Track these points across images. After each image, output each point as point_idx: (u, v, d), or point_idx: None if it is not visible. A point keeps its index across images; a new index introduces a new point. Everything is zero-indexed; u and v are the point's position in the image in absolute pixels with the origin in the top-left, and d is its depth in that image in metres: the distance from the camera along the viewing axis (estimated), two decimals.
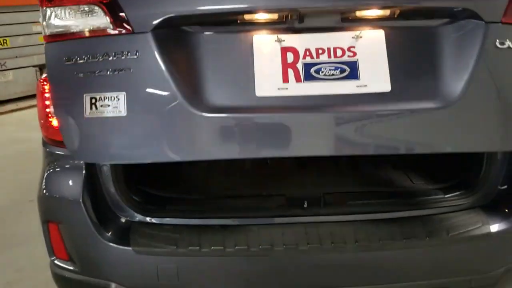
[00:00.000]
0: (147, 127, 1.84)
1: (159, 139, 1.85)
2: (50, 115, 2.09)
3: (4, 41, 7.59)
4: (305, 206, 2.19)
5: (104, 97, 1.82)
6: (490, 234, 2.07)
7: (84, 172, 2.05)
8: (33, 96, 7.97)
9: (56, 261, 2.18)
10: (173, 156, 1.88)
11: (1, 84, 7.60)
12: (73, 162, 2.07)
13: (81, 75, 1.83)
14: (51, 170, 2.12)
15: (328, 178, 2.56)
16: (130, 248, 2.00)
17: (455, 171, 2.48)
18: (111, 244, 2.02)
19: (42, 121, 2.14)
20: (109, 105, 1.82)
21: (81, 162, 2.04)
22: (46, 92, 2.08)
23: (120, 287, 2.08)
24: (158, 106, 1.81)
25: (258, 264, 2.03)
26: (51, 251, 2.18)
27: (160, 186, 2.42)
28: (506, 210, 2.14)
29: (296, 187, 2.44)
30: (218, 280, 2.06)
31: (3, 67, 7.59)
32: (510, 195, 2.18)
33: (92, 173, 2.07)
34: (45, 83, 2.09)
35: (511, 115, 1.90)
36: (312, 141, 1.86)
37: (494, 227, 2.09)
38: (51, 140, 2.13)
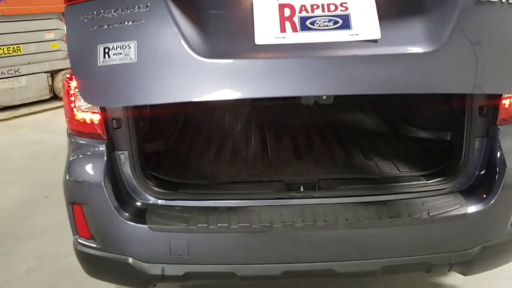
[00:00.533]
0: (155, 72, 2.02)
1: (166, 82, 2.02)
2: (74, 110, 2.36)
3: (18, 48, 7.88)
4: (301, 190, 2.45)
5: (116, 47, 2.02)
6: (467, 215, 2.32)
7: (105, 158, 2.31)
8: (45, 101, 8.28)
9: (79, 240, 2.43)
10: (179, 97, 2.10)
11: (14, 89, 7.89)
12: (95, 150, 2.34)
13: (96, 28, 2.03)
14: (75, 157, 2.38)
15: (322, 166, 2.81)
16: (146, 226, 2.26)
17: (437, 159, 2.73)
18: (129, 222, 2.28)
19: (67, 115, 2.41)
20: (120, 53, 2.02)
21: (102, 149, 2.32)
22: (71, 89, 2.36)
23: (137, 261, 2.33)
24: (165, 53, 2.01)
25: (259, 239, 2.29)
26: (75, 231, 2.43)
27: (172, 173, 2.69)
28: (484, 196, 2.39)
29: (293, 174, 2.70)
30: (223, 254, 2.32)
31: (17, 73, 7.87)
32: (487, 181, 2.43)
33: (111, 159, 2.34)
34: (70, 81, 2.36)
35: (490, 61, 2.05)
36: (306, 82, 2.02)
37: (471, 209, 2.34)
38: (76, 131, 2.40)
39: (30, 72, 8.07)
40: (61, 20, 8.40)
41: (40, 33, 8.15)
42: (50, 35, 8.28)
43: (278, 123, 3.70)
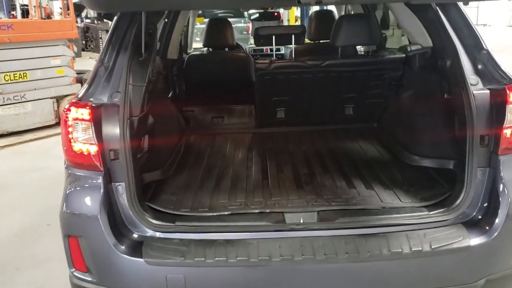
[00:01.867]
0: None
1: None
2: (72, 141, 2.36)
3: (24, 74, 7.96)
4: (301, 221, 2.41)
5: None
6: (470, 248, 2.27)
7: (102, 190, 2.30)
8: (50, 127, 8.31)
9: (75, 273, 2.40)
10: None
11: (20, 115, 7.94)
12: (92, 182, 2.33)
13: None
14: (72, 189, 2.37)
15: (322, 196, 2.78)
16: (142, 260, 2.23)
17: (439, 189, 2.69)
18: (126, 256, 2.25)
19: (65, 147, 2.40)
20: None
21: (99, 181, 2.30)
22: (69, 120, 2.36)
23: None
24: None
25: (258, 273, 2.25)
26: (71, 263, 2.41)
27: (170, 204, 2.67)
28: (487, 227, 2.35)
29: (293, 205, 2.67)
30: None
31: (23, 99, 7.93)
32: (490, 212, 2.39)
33: (108, 191, 2.33)
34: (68, 113, 2.36)
35: None
36: None
37: (475, 241, 2.29)
38: (73, 163, 2.39)
39: (36, 98, 8.12)
40: (67, 46, 8.51)
41: (46, 60, 8.22)
42: (56, 61, 8.34)
43: (279, 151, 3.68)
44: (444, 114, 3.05)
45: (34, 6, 10.09)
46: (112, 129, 2.38)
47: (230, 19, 9.95)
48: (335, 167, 3.27)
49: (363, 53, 4.67)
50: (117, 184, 2.38)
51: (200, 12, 7.07)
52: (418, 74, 3.53)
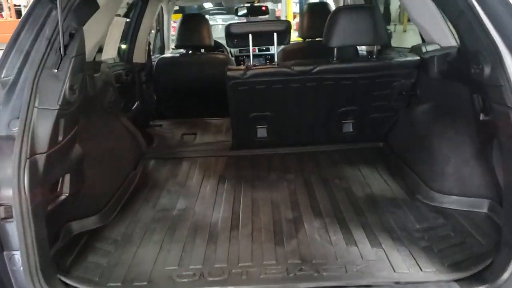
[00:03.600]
0: None
1: None
2: None
3: None
4: None
5: None
6: None
7: None
8: None
9: None
10: None
11: None
12: None
13: None
14: None
15: (310, 260, 2.01)
16: None
17: (474, 250, 1.92)
18: None
19: None
20: None
21: None
22: None
23: None
24: None
25: None
26: None
27: (96, 273, 1.98)
28: None
29: (269, 274, 1.90)
30: None
31: None
32: None
33: None
34: None
35: None
36: None
37: None
38: None
39: None
40: None
41: None
42: None
43: (257, 184, 2.87)
44: (478, 140, 2.27)
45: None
46: (2, 175, 1.69)
47: (220, 16, 9.27)
48: (329, 209, 2.46)
49: (365, 53, 3.84)
50: (11, 253, 1.73)
51: (177, 7, 6.26)
52: (437, 83, 2.73)
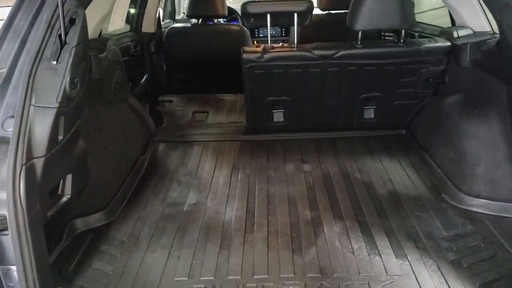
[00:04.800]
0: None
1: None
2: None
3: None
4: None
5: None
6: None
7: None
8: None
9: None
10: None
11: None
12: None
13: None
14: None
15: (330, 275, 1.87)
16: None
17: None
18: None
19: None
20: None
21: None
22: None
23: None
24: None
25: None
26: None
27: (100, 282, 1.85)
28: None
29: None
30: None
31: None
32: None
33: None
34: None
35: None
36: None
37: None
38: None
39: None
40: None
41: None
42: None
43: (273, 175, 2.72)
44: None
45: None
46: None
47: None
48: (349, 210, 2.31)
49: (390, 38, 3.60)
50: (6, 268, 1.55)
51: None
52: (469, 72, 2.52)
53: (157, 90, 3.98)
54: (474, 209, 2.25)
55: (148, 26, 3.78)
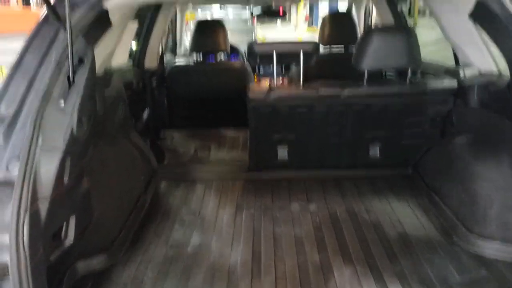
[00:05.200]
0: None
1: None
2: None
3: None
4: None
5: None
6: None
7: None
8: None
9: None
10: None
11: None
12: None
13: None
14: None
15: None
16: None
17: None
18: None
19: None
20: None
21: None
22: None
23: None
24: None
25: None
26: None
27: None
28: None
29: None
30: None
31: None
32: None
33: None
34: None
35: None
36: None
37: None
38: None
39: None
40: None
41: None
42: None
43: (278, 216, 2.64)
44: None
45: None
46: None
47: (231, 6, 8.94)
48: (359, 253, 2.24)
49: (391, 75, 3.63)
50: None
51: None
52: (477, 113, 2.50)
53: (159, 125, 3.95)
54: (487, 252, 2.18)
55: (150, 62, 3.78)
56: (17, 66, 1.68)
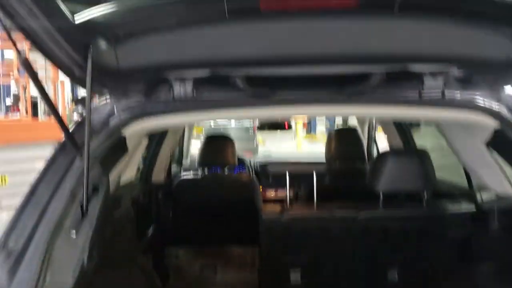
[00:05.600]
0: None
1: None
2: None
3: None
4: None
5: None
6: None
7: None
8: None
9: None
10: None
11: None
12: None
13: None
14: None
15: None
16: None
17: None
18: None
19: None
20: None
21: None
22: None
23: None
24: None
25: None
26: None
27: None
28: None
29: None
30: None
31: None
32: None
33: None
34: None
35: None
36: None
37: None
38: None
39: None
40: None
41: None
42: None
43: None
44: None
45: None
46: None
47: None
48: None
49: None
50: None
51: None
52: (498, 237, 2.42)
53: (163, 242, 3.82)
54: None
55: (158, 175, 3.75)
56: (29, 197, 1.62)
